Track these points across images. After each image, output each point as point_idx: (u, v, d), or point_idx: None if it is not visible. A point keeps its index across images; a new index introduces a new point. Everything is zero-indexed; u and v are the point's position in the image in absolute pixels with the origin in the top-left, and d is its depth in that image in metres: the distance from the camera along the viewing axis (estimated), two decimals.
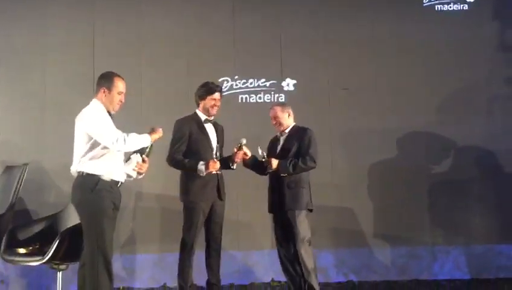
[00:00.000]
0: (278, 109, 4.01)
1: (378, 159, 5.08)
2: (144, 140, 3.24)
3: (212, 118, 3.92)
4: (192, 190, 3.74)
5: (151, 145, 3.30)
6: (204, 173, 3.69)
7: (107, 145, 3.13)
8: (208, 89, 3.86)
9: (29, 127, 4.93)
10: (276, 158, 3.85)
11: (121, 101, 3.32)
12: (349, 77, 5.16)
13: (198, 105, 3.92)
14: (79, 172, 3.19)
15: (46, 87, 4.97)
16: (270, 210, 3.99)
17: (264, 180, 4.07)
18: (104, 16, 5.10)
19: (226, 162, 3.84)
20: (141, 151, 3.28)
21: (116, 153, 3.23)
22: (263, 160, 3.86)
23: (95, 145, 3.14)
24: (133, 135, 3.19)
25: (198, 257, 3.89)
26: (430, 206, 5.04)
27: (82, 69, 4.90)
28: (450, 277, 4.90)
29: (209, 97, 3.85)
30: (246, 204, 4.82)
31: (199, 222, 3.74)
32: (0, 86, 4.98)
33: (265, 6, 5.22)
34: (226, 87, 5.10)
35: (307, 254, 3.79)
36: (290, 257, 3.89)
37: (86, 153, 3.15)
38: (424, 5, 5.30)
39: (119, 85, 3.29)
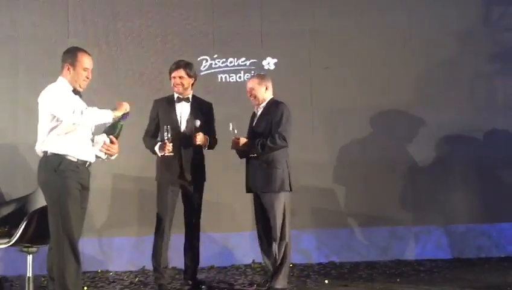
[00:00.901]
0: (255, 81, 3.83)
1: (360, 138, 5.01)
2: (105, 115, 3.09)
3: (187, 96, 3.80)
4: (159, 171, 3.73)
5: (121, 125, 3.16)
6: (159, 155, 3.66)
7: (63, 118, 2.99)
8: (170, 67, 3.78)
9: (2, 107, 4.80)
10: (250, 135, 3.73)
11: (88, 78, 3.18)
12: (331, 55, 5.05)
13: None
14: (44, 152, 3.08)
15: (19, 65, 4.82)
16: (248, 190, 3.89)
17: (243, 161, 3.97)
18: None
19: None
20: (109, 132, 3.15)
21: (83, 132, 3.11)
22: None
23: (58, 123, 3.02)
24: (93, 109, 3.06)
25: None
26: (411, 186, 5.00)
27: (56, 48, 4.74)
28: (431, 257, 4.88)
29: (171, 75, 3.76)
30: (226, 185, 4.75)
31: (167, 202, 3.68)
32: None
33: None
34: (205, 66, 4.99)
35: (283, 235, 3.70)
36: (268, 238, 3.82)
37: (50, 131, 3.03)
38: None
39: (84, 60, 3.14)
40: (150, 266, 4.51)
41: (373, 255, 4.89)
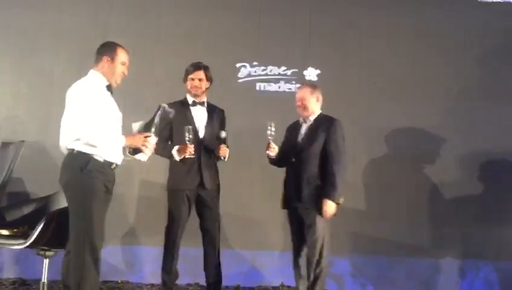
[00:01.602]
0: (307, 90, 3.52)
1: (405, 160, 4.63)
2: (119, 142, 2.91)
3: (202, 100, 3.58)
4: (174, 177, 3.50)
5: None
6: (178, 158, 3.44)
7: (80, 131, 2.80)
8: (188, 68, 3.59)
9: (35, 105, 4.70)
10: (288, 148, 3.47)
11: (124, 74, 3.04)
12: (381, 68, 4.71)
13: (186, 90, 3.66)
14: (69, 149, 2.88)
15: (54, 66, 4.72)
16: (285, 206, 3.58)
17: (279, 174, 3.69)
18: None
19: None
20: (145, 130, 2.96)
21: (112, 131, 2.92)
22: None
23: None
24: (111, 138, 2.88)
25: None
26: (460, 215, 4.55)
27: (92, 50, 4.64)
28: None
29: (189, 77, 3.55)
30: (258, 200, 4.48)
31: (182, 212, 3.45)
32: (9, 63, 4.76)
33: None
34: (243, 73, 4.75)
35: (321, 260, 3.40)
36: (303, 259, 3.51)
37: (73, 123, 2.83)
38: None
39: (124, 55, 3.03)
40: None
41: (413, 289, 4.47)
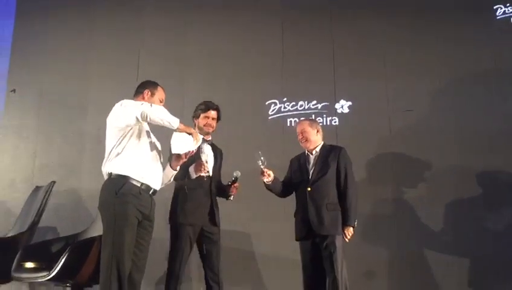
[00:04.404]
0: (306, 123, 3.64)
1: (454, 196, 4.34)
2: (173, 119, 2.83)
3: (209, 139, 3.56)
4: (182, 211, 3.34)
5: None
6: (194, 176, 3.34)
7: (134, 116, 2.74)
8: (202, 106, 3.57)
9: (68, 152, 4.81)
10: (309, 177, 3.45)
11: None
12: (411, 96, 4.57)
13: (194, 126, 3.58)
14: (108, 173, 2.85)
15: (88, 110, 4.85)
16: (301, 236, 3.44)
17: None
18: (151, 33, 5.02)
19: (223, 190, 3.51)
20: None
21: (151, 156, 2.90)
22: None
23: (123, 140, 2.83)
24: (165, 113, 2.83)
25: None
26: None
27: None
28: None
29: (202, 115, 3.53)
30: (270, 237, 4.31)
31: (187, 247, 3.31)
32: (43, 112, 4.97)
33: (316, 22, 4.87)
34: (273, 110, 4.71)
35: (345, 287, 3.25)
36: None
37: (113, 148, 2.82)
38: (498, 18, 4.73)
39: (162, 93, 3.08)
40: None
41: None
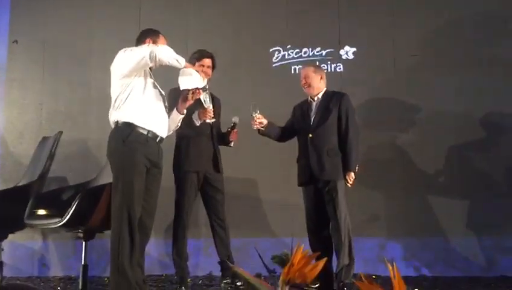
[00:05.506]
0: (310, 69, 3.64)
1: (460, 140, 4.34)
2: (179, 59, 2.85)
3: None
4: (186, 159, 3.44)
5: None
6: (198, 123, 3.41)
7: (142, 56, 2.75)
8: (196, 55, 3.55)
9: (74, 102, 4.84)
10: (311, 124, 3.49)
11: None
12: (418, 42, 4.49)
13: None
14: (114, 122, 2.89)
15: (92, 59, 4.84)
16: (304, 182, 3.53)
17: None
18: None
19: (223, 138, 3.61)
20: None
21: (156, 104, 2.92)
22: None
23: (127, 88, 2.84)
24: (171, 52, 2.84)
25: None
26: None
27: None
28: None
29: (197, 63, 3.50)
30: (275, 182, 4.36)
31: (192, 193, 3.44)
32: (47, 62, 4.96)
33: None
34: (277, 57, 4.67)
35: (348, 230, 3.35)
36: (323, 241, 3.44)
37: (118, 96, 2.84)
38: None
39: (164, 41, 3.07)
40: (217, 272, 4.20)
41: (474, 270, 4.13)
